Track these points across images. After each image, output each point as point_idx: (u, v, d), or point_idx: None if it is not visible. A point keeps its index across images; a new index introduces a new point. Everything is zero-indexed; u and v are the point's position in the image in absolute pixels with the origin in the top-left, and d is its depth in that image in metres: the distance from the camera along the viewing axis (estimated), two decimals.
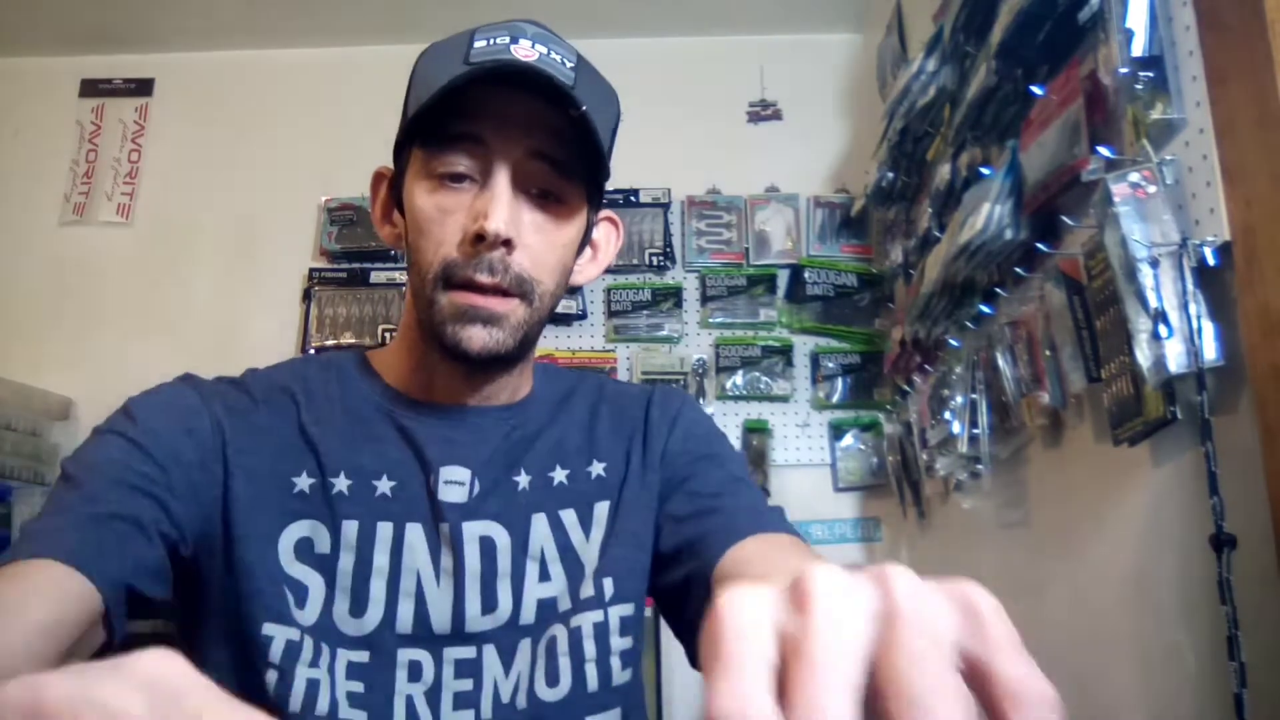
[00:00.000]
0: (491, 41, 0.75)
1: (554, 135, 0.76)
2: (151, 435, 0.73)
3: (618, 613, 0.82)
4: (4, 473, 2.19)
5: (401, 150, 0.81)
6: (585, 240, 0.85)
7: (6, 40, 2.67)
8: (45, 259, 2.56)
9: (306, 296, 2.49)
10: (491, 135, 0.75)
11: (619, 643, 0.82)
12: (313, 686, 0.72)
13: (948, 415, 1.70)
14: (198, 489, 0.73)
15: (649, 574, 0.84)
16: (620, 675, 0.82)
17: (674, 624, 0.84)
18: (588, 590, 0.81)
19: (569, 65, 0.77)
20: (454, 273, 0.75)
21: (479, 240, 0.74)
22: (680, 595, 0.82)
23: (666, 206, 2.51)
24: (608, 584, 0.82)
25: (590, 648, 0.80)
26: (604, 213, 0.89)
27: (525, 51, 0.75)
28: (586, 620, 0.81)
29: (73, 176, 2.63)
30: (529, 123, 0.76)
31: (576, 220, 0.81)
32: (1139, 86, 1.11)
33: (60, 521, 0.67)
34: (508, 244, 0.74)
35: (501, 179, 0.75)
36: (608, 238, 0.90)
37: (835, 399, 2.38)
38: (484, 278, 0.74)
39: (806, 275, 2.42)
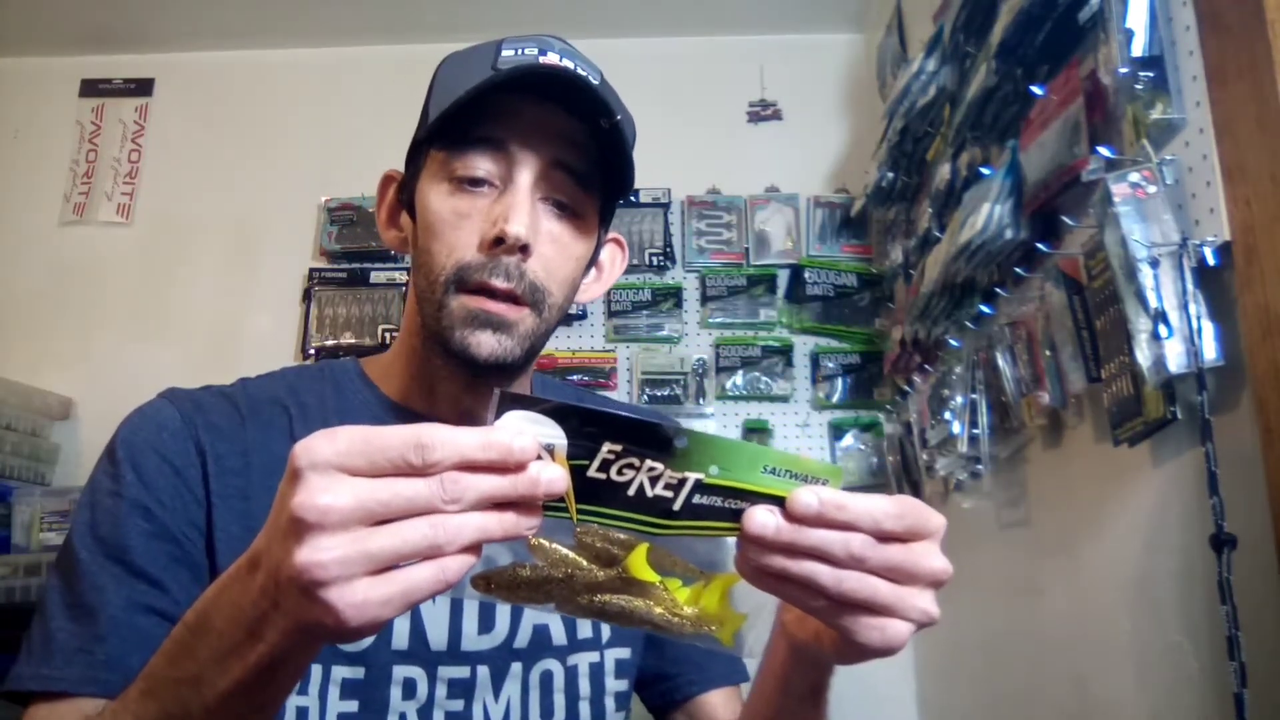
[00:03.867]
0: (520, 51, 0.75)
1: (577, 147, 0.76)
2: (144, 487, 0.72)
3: (614, 655, 0.84)
4: (4, 473, 2.19)
5: (417, 153, 0.80)
6: (593, 259, 0.85)
7: (6, 40, 2.67)
8: (45, 259, 2.56)
9: (306, 296, 2.49)
10: (515, 141, 0.75)
11: (614, 684, 0.83)
12: (302, 714, 0.72)
13: (948, 415, 1.70)
14: (195, 521, 0.73)
15: None
16: (613, 716, 0.83)
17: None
18: (585, 630, 0.82)
19: (595, 82, 0.76)
20: (468, 276, 0.74)
21: (497, 243, 0.73)
22: (643, 681, 0.90)
23: (666, 206, 2.51)
24: (605, 627, 0.83)
25: (586, 686, 0.82)
26: (611, 234, 0.89)
27: (553, 64, 0.75)
28: (583, 660, 0.82)
29: (73, 176, 2.63)
30: (554, 132, 0.75)
31: (590, 235, 0.81)
32: (1139, 86, 1.11)
33: (86, 637, 0.67)
34: (525, 250, 0.74)
35: (524, 184, 0.74)
36: (613, 259, 0.90)
37: (835, 399, 2.38)
38: (499, 282, 0.73)
39: (806, 275, 2.42)
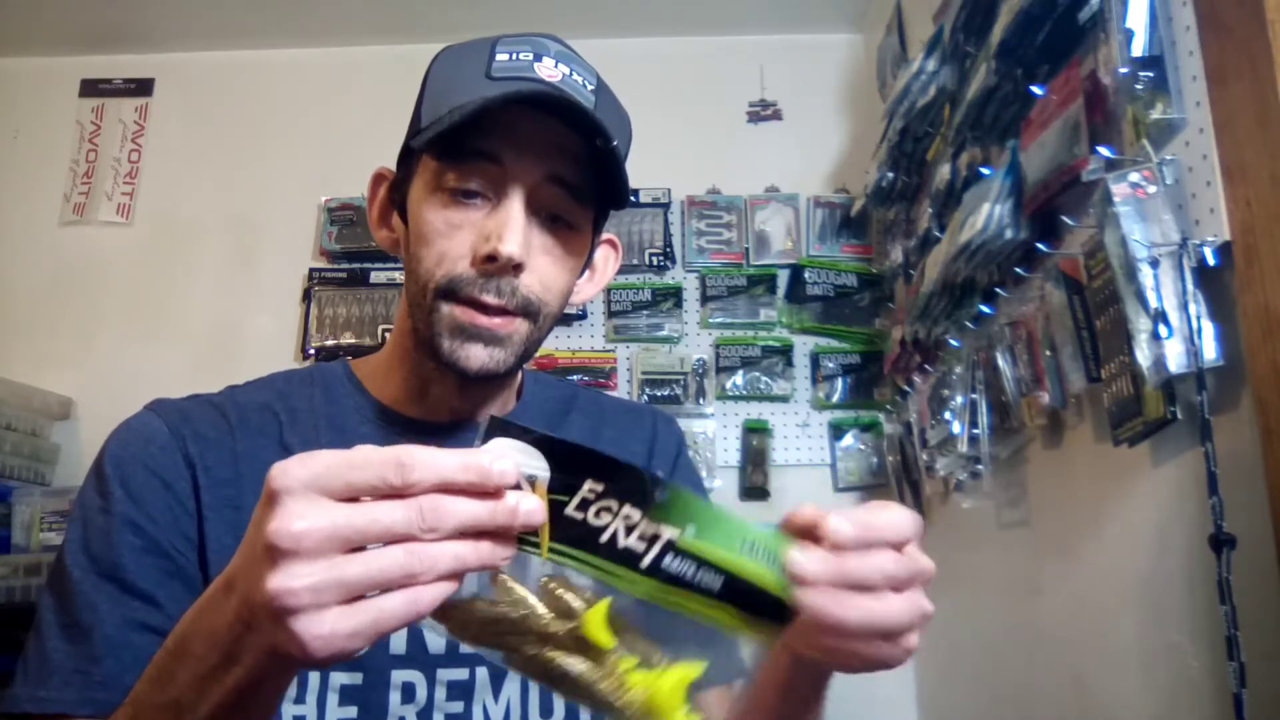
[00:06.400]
0: (515, 56, 0.74)
1: (572, 161, 0.75)
2: (133, 503, 0.71)
3: None
4: (4, 473, 2.18)
5: (409, 154, 0.79)
6: (586, 262, 0.85)
7: (6, 40, 2.67)
8: (45, 259, 2.56)
9: (306, 296, 2.49)
10: (510, 156, 0.74)
11: None
12: None
13: (948, 415, 1.70)
14: (187, 534, 0.73)
15: None
16: None
17: None
18: None
19: (589, 89, 0.76)
20: (458, 289, 0.73)
21: (489, 261, 0.72)
22: None
23: (666, 206, 2.51)
24: None
25: None
26: (605, 235, 0.88)
27: (549, 71, 0.74)
28: None
29: (73, 176, 2.62)
30: (549, 146, 0.74)
31: (584, 244, 0.80)
32: (1139, 86, 1.11)
33: (81, 657, 0.67)
34: (517, 267, 0.73)
35: (516, 201, 0.73)
36: (606, 259, 0.90)
37: (835, 399, 2.38)
38: (491, 299, 0.73)
39: (806, 275, 2.42)
